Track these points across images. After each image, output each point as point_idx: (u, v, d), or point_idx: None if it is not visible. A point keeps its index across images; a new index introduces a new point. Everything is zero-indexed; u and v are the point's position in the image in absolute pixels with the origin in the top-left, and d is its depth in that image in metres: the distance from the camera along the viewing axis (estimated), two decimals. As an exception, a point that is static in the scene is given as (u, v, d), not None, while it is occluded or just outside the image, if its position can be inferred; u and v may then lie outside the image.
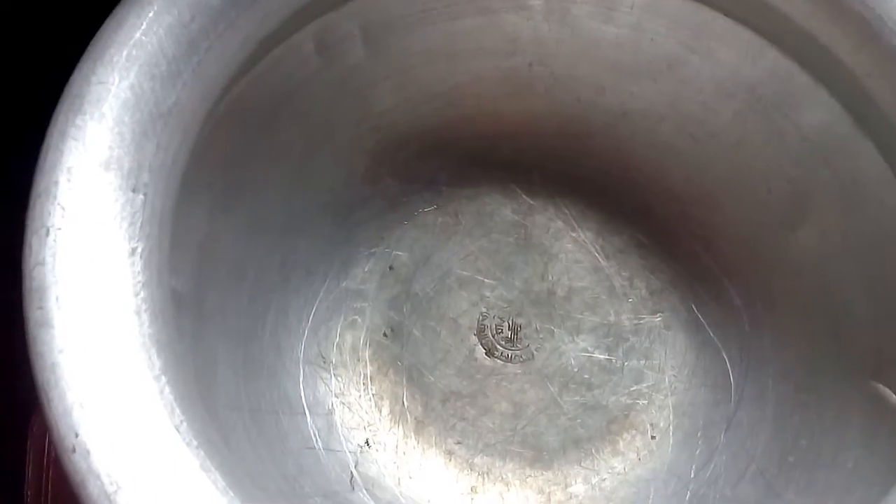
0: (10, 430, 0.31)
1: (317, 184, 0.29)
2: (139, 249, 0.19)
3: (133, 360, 0.17)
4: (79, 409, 0.16)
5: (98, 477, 0.16)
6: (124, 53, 0.20)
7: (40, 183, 0.18)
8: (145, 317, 0.18)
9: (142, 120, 0.20)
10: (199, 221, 0.25)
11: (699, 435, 0.29)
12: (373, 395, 0.29)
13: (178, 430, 0.17)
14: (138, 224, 0.19)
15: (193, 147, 0.22)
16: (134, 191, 0.19)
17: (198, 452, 0.17)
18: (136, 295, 0.18)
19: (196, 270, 0.24)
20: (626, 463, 0.29)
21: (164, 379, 0.17)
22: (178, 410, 0.17)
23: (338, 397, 0.28)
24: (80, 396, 0.16)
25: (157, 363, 0.17)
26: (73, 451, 0.16)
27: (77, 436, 0.16)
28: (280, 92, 0.26)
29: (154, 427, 0.17)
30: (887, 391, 0.25)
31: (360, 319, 0.30)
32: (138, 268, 0.19)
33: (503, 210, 0.32)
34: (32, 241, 0.18)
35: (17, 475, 0.31)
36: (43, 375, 0.16)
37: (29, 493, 0.30)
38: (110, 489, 0.16)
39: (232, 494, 0.17)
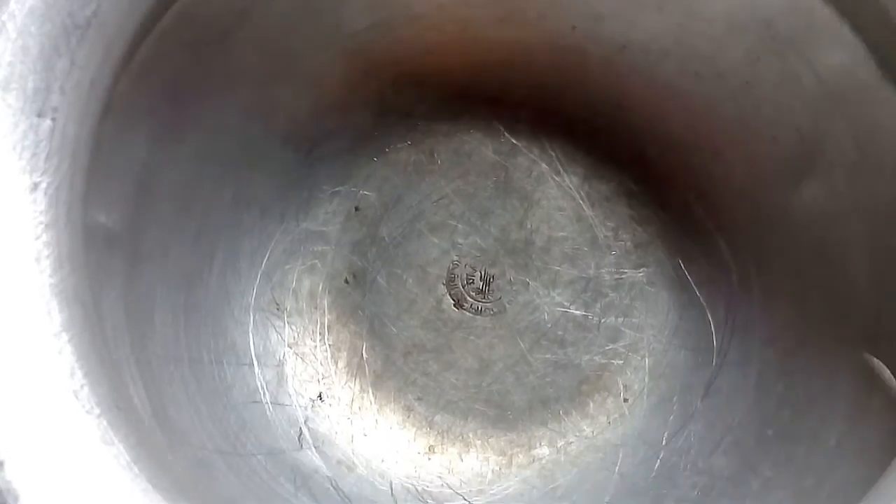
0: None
1: (277, 113, 0.27)
2: (43, 184, 0.16)
3: (28, 315, 0.15)
4: (-43, 371, 0.14)
5: (-26, 449, 0.14)
6: (30, -50, 0.17)
7: (-77, 103, 0.16)
8: (46, 264, 0.16)
9: (52, 32, 0.17)
10: (138, 150, 0.23)
11: (674, 400, 0.28)
12: (329, 345, 0.28)
13: (76, 395, 0.15)
14: (43, 154, 0.17)
15: (123, 66, 0.20)
16: (39, 115, 0.17)
17: (99, 422, 0.15)
18: (37, 238, 0.16)
19: (133, 205, 0.22)
20: (595, 426, 0.28)
21: (65, 336, 0.15)
22: (79, 373, 0.15)
23: (291, 347, 0.27)
24: (-41, 357, 0.14)
25: (58, 318, 0.15)
26: (-52, 419, 0.14)
27: (-47, 402, 0.14)
28: (236, 7, 0.24)
29: (48, 392, 0.15)
30: (881, 365, 0.24)
31: (319, 264, 0.29)
32: (41, 206, 0.16)
33: (483, 149, 0.30)
34: None
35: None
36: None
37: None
38: (-9, 464, 0.14)
39: (136, 470, 0.15)
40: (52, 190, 0.17)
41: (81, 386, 0.15)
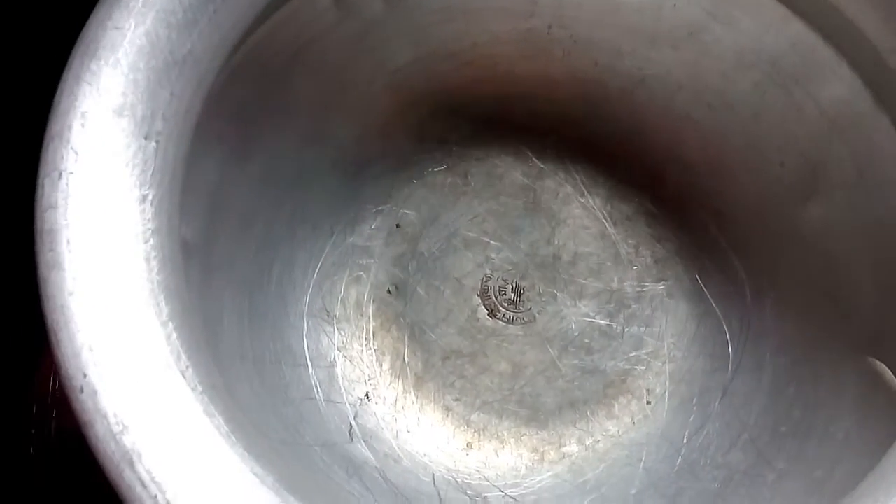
0: (18, 371, 0.32)
1: (328, 139, 0.29)
2: (150, 196, 0.19)
3: (142, 306, 0.18)
4: (87, 351, 0.16)
5: (105, 417, 0.16)
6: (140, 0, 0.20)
7: (54, 126, 0.18)
8: (154, 263, 0.18)
9: (156, 67, 0.20)
10: (211, 171, 0.25)
11: (694, 402, 0.29)
12: (374, 349, 0.30)
13: (183, 375, 0.17)
14: (150, 171, 0.19)
15: (207, 97, 0.22)
16: (146, 138, 0.19)
17: (202, 398, 0.17)
18: (146, 241, 0.18)
19: (206, 220, 0.24)
20: (620, 426, 0.29)
21: (171, 325, 0.18)
22: (184, 356, 0.17)
23: (340, 350, 0.29)
24: (88, 338, 0.17)
25: (165, 310, 0.18)
26: (81, 391, 0.16)
27: (85, 376, 0.16)
28: (295, 45, 0.26)
29: (160, 371, 0.17)
30: (883, 367, 0.25)
31: (364, 275, 0.30)
32: (149, 215, 0.19)
33: (513, 173, 0.32)
34: (45, 183, 0.18)
35: (23, 415, 0.32)
36: (53, 317, 0.17)
37: (34, 431, 0.31)
38: (116, 429, 0.16)
39: (234, 439, 0.17)
40: (157, 202, 0.19)
41: (187, 367, 0.17)
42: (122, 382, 0.17)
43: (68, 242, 0.17)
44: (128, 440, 0.16)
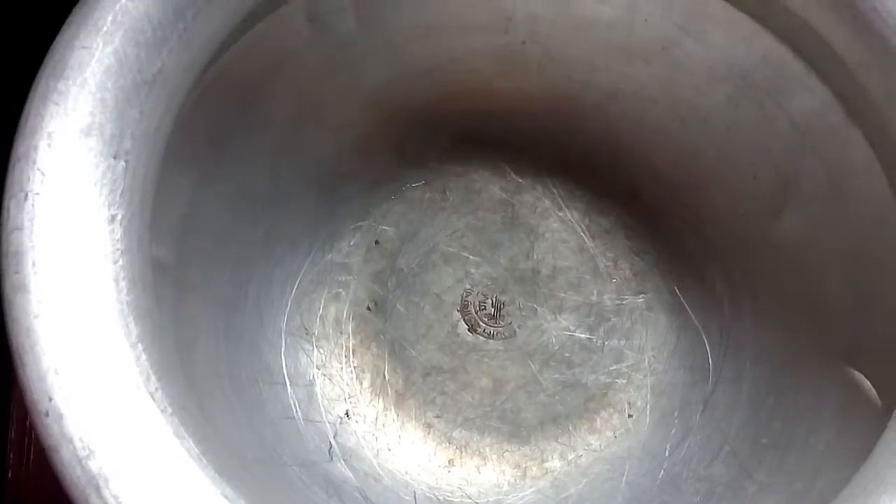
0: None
1: (304, 156, 0.29)
2: (119, 217, 0.19)
3: (110, 327, 0.17)
4: (53, 374, 0.16)
5: (70, 441, 0.16)
6: (109, 18, 0.20)
7: (20, 147, 0.18)
8: (123, 284, 0.18)
9: (125, 86, 0.20)
10: (184, 190, 0.25)
11: (675, 415, 0.29)
12: (354, 367, 0.29)
13: (153, 397, 0.17)
14: (119, 191, 0.19)
15: (178, 115, 0.22)
16: (115, 157, 0.19)
17: (172, 420, 0.17)
18: (115, 262, 0.18)
19: (179, 239, 0.24)
20: (602, 440, 0.29)
21: (140, 346, 0.17)
22: (153, 378, 0.17)
23: (319, 369, 0.29)
24: (54, 361, 0.16)
25: (135, 330, 0.18)
26: (47, 415, 0.16)
27: (51, 400, 0.16)
28: (269, 63, 0.26)
29: (129, 393, 0.17)
30: (861, 377, 0.25)
31: (343, 292, 0.30)
32: (118, 235, 0.19)
33: (491, 188, 0.32)
34: (10, 205, 0.18)
35: (0, 437, 0.31)
36: (18, 340, 0.16)
37: (11, 454, 0.31)
38: (82, 454, 0.16)
39: (205, 461, 0.17)
40: (126, 222, 0.19)
41: (156, 389, 0.17)
42: (88, 406, 0.16)
43: (34, 264, 0.17)
44: (94, 465, 0.16)
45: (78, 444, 0.16)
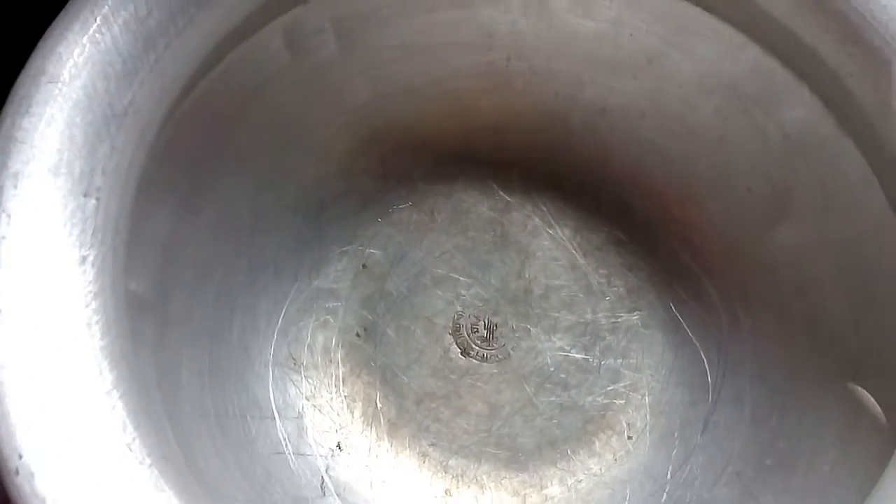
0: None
1: (287, 182, 0.29)
2: (90, 257, 0.18)
3: (82, 376, 0.17)
4: (22, 430, 0.15)
5: (43, 501, 0.15)
6: (76, 51, 0.19)
7: (-16, 189, 0.17)
8: (96, 329, 0.17)
9: (94, 121, 0.19)
10: (162, 222, 0.24)
11: (676, 435, 0.28)
12: (345, 396, 0.29)
13: (129, 448, 0.16)
14: (90, 230, 0.18)
15: (152, 148, 0.21)
16: (85, 195, 0.18)
17: (151, 471, 0.16)
18: (87, 306, 0.17)
19: (159, 273, 0.24)
20: (602, 464, 0.29)
21: (115, 394, 0.17)
22: (130, 427, 0.16)
23: (308, 400, 0.28)
24: (24, 416, 0.15)
25: (109, 377, 0.17)
26: (17, 473, 0.15)
27: (21, 457, 0.15)
28: (247, 89, 0.25)
29: (104, 446, 0.16)
30: (865, 394, 0.25)
31: (332, 319, 0.30)
32: (90, 276, 0.18)
33: (479, 207, 0.32)
34: (-25, 251, 0.17)
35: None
36: (-16, 393, 0.16)
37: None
38: (55, 514, 0.15)
39: (186, 515, 0.16)
40: (99, 262, 0.18)
41: (133, 439, 0.16)
42: (61, 462, 0.16)
43: (1, 312, 0.16)
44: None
45: (49, 505, 0.15)
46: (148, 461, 0.16)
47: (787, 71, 0.25)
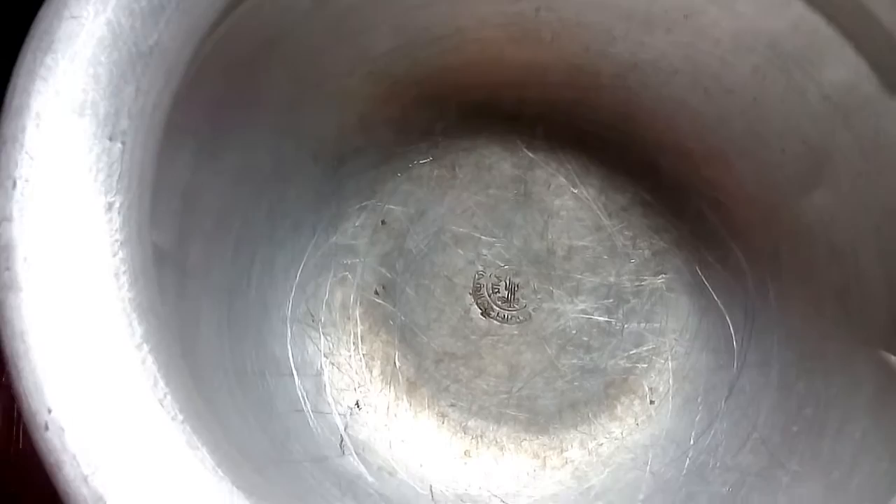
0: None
1: (306, 132, 0.28)
2: (117, 204, 0.17)
3: (112, 328, 0.16)
4: (52, 383, 0.15)
5: (74, 457, 0.14)
6: (98, -16, 0.18)
7: (6, 129, 0.16)
8: (125, 279, 0.16)
9: (120, 60, 0.18)
10: (182, 169, 0.23)
11: (699, 400, 0.28)
12: (363, 355, 0.28)
13: (161, 403, 0.16)
14: (116, 176, 0.17)
15: (176, 91, 0.20)
16: (111, 139, 0.17)
17: (183, 427, 0.16)
18: (115, 255, 0.17)
19: (179, 222, 0.23)
20: (623, 428, 0.29)
21: (146, 347, 0.16)
22: (161, 382, 0.16)
23: (327, 357, 0.27)
24: (52, 369, 0.15)
25: (139, 330, 0.16)
26: (46, 428, 0.14)
27: (50, 412, 0.14)
28: (269, 33, 0.24)
29: (135, 401, 0.15)
30: (897, 361, 0.24)
31: (350, 276, 0.29)
32: (116, 224, 0.17)
33: (502, 164, 0.31)
34: (-3, 193, 0.16)
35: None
36: (12, 344, 0.15)
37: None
38: (87, 471, 0.14)
39: (221, 473, 0.15)
40: (125, 209, 0.17)
41: (165, 395, 0.16)
42: (91, 417, 0.15)
43: (26, 259, 0.16)
44: (99, 483, 0.15)
45: (82, 461, 0.14)
46: (180, 417, 0.16)
47: (833, 28, 0.24)
